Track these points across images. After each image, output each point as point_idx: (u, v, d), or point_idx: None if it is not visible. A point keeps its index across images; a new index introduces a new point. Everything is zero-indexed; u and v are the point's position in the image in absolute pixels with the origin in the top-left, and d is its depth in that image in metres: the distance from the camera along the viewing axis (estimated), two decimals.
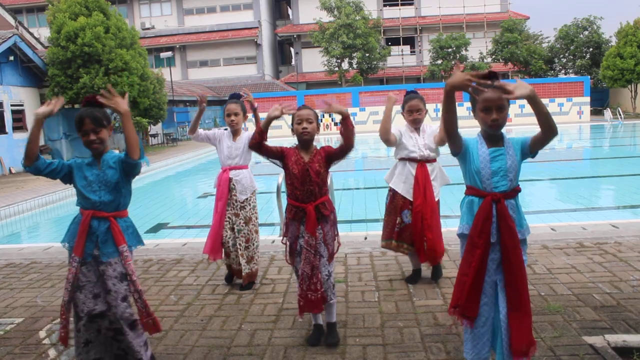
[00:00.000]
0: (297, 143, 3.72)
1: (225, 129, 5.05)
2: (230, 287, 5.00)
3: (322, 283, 3.61)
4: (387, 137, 4.60)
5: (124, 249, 3.18)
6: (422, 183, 4.60)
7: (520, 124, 28.14)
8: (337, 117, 3.81)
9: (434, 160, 4.76)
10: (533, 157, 3.01)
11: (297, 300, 3.67)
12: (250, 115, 5.11)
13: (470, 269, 2.92)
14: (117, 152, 3.35)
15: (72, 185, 3.27)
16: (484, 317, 2.97)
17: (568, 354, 3.40)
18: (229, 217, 4.93)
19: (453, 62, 37.31)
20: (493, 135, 2.95)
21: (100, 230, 3.17)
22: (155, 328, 3.30)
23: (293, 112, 3.64)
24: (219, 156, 5.05)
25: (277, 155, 3.68)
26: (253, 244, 4.97)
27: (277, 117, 3.53)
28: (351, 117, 3.57)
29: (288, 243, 3.76)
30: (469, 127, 3.26)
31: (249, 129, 5.22)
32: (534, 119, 2.88)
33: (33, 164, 3.13)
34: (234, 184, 4.90)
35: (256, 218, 5.04)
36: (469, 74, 2.71)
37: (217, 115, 38.10)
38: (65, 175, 3.24)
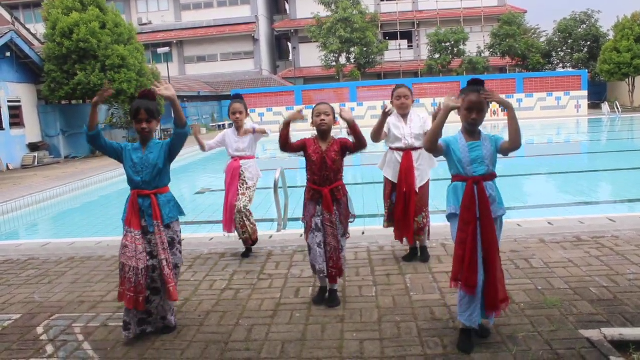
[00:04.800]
0: (315, 134, 4.22)
1: (230, 124, 5.85)
2: (228, 282, 5.01)
3: (340, 256, 4.21)
4: (376, 139, 5.13)
5: (156, 224, 3.76)
6: (405, 169, 5.12)
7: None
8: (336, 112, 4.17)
9: (419, 147, 5.16)
10: (504, 156, 3.53)
11: (329, 272, 4.18)
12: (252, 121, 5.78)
13: (466, 244, 3.35)
14: (159, 140, 3.97)
15: (121, 164, 3.87)
16: (478, 283, 3.39)
17: (565, 347, 3.41)
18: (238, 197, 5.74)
19: (444, 64, 37.18)
20: (471, 131, 3.49)
21: (145, 206, 3.78)
22: (171, 296, 3.80)
23: (302, 117, 4.19)
24: (227, 150, 5.84)
25: (299, 148, 4.20)
26: (252, 215, 5.89)
27: (292, 121, 4.08)
28: (357, 124, 4.05)
29: (306, 221, 4.26)
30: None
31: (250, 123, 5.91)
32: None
33: (92, 131, 3.74)
34: (242, 171, 5.74)
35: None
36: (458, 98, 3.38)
37: (215, 111, 38.01)
38: (114, 153, 3.85)
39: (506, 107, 3.40)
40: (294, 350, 3.58)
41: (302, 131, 4.34)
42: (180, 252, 3.97)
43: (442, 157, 3.66)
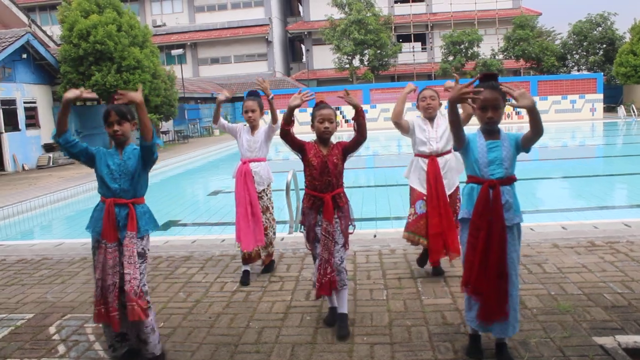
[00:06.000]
0: (315, 139, 3.96)
1: (245, 125, 5.38)
2: (239, 286, 5.01)
3: (332, 267, 3.82)
4: (398, 120, 4.82)
5: (130, 235, 3.45)
6: (433, 178, 4.75)
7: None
8: (349, 114, 3.98)
9: (447, 152, 4.85)
10: (527, 152, 3.33)
11: (316, 285, 3.87)
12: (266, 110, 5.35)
13: (476, 250, 3.22)
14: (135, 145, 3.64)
15: (93, 169, 3.56)
16: None
17: (578, 354, 3.36)
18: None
19: (457, 66, 37.07)
20: (490, 130, 3.29)
21: (121, 216, 3.47)
22: (134, 315, 3.40)
23: (312, 98, 3.92)
24: (239, 149, 5.36)
25: (299, 146, 3.91)
26: (271, 231, 5.33)
27: (297, 106, 3.83)
28: (363, 111, 3.83)
29: (305, 231, 3.99)
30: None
31: (266, 122, 5.48)
32: (542, 117, 3.00)
33: (62, 136, 3.44)
34: (253, 175, 5.20)
35: (272, 207, 5.40)
36: (463, 86, 3.09)
37: (228, 112, 38.16)
38: (87, 158, 3.55)
39: (530, 109, 3.07)
40: (304, 353, 3.57)
41: (301, 134, 4.14)
42: (145, 269, 3.55)
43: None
